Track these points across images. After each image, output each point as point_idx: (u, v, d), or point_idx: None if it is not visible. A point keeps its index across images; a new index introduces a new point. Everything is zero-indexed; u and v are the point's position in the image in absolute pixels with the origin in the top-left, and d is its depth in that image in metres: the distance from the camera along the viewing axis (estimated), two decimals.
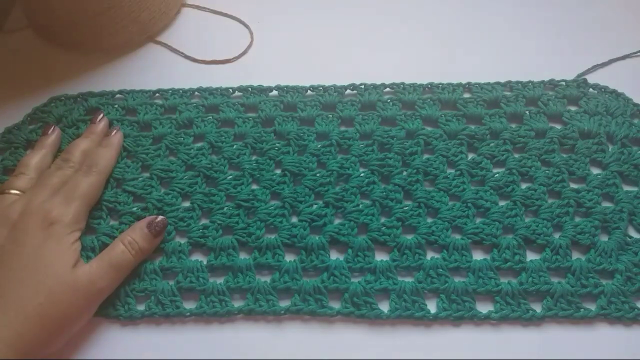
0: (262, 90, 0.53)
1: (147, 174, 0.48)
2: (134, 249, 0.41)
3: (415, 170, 0.47)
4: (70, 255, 0.39)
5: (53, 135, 0.48)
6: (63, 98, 0.53)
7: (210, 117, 0.51)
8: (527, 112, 0.50)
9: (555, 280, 0.41)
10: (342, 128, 0.50)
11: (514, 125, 0.49)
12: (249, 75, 0.54)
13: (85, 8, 0.53)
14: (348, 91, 0.53)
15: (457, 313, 0.40)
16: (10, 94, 0.54)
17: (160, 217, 0.43)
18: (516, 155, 0.48)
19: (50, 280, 0.37)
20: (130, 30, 0.56)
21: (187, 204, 0.46)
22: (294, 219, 0.45)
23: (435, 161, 0.47)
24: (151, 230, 0.42)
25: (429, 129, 0.49)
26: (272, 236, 0.44)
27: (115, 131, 0.48)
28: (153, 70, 0.56)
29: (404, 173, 0.47)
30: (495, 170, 0.47)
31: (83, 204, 0.42)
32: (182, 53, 0.57)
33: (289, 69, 0.55)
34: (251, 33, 0.59)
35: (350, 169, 0.47)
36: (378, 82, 0.53)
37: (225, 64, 0.56)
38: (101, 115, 0.49)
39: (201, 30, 0.60)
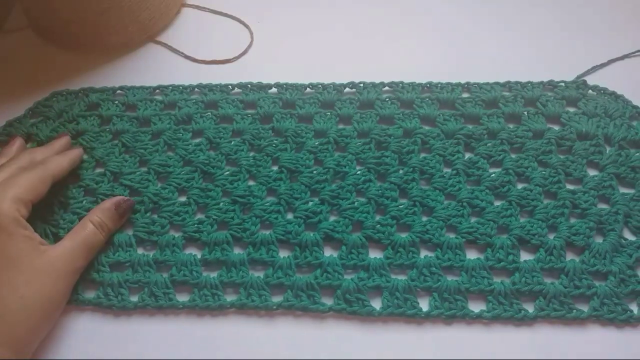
0: (262, 87, 0.53)
1: (144, 169, 0.48)
2: (104, 229, 0.42)
3: (411, 169, 0.47)
4: (28, 241, 0.38)
5: (14, 146, 0.47)
6: (64, 93, 0.54)
7: (209, 113, 0.51)
8: (526, 112, 0.50)
9: (548, 280, 0.41)
10: (340, 126, 0.50)
11: (511, 126, 0.49)
12: (249, 75, 0.54)
13: (85, 8, 0.53)
14: (347, 89, 0.53)
15: (449, 312, 0.40)
16: (10, 93, 0.54)
17: (127, 198, 0.44)
18: (513, 156, 0.47)
19: (23, 272, 0.37)
20: (130, 30, 0.57)
21: (183, 198, 0.46)
22: (290, 216, 0.45)
23: (431, 160, 0.47)
24: (119, 211, 0.43)
25: (427, 128, 0.49)
26: (267, 232, 0.44)
27: (76, 148, 0.48)
28: (153, 70, 0.56)
29: (400, 171, 0.47)
30: (491, 170, 0.47)
31: (22, 192, 0.40)
32: (182, 53, 0.58)
33: (288, 69, 0.55)
34: (251, 33, 0.59)
35: (347, 166, 0.47)
36: (377, 81, 0.53)
37: (225, 64, 0.57)
38: (66, 135, 0.49)
39: (201, 30, 0.60)
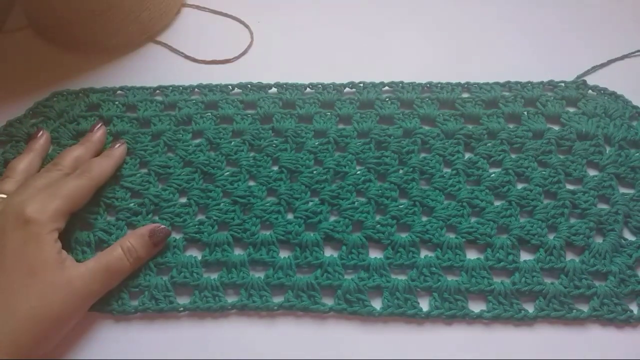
0: (261, 88, 0.53)
1: (145, 170, 0.48)
2: (132, 257, 0.41)
3: (411, 169, 0.47)
4: (54, 256, 0.38)
5: (42, 139, 0.47)
6: (65, 93, 0.54)
7: (209, 114, 0.51)
8: (526, 112, 0.50)
9: (548, 280, 0.41)
10: (340, 126, 0.50)
11: (511, 126, 0.49)
12: (249, 75, 0.54)
13: (86, 8, 0.53)
14: (347, 89, 0.53)
15: (450, 312, 0.40)
16: (10, 93, 0.54)
17: (163, 227, 0.43)
18: (513, 156, 0.47)
19: (39, 283, 0.37)
20: (130, 30, 0.57)
21: (184, 199, 0.46)
22: (290, 216, 0.45)
23: (431, 160, 0.47)
24: (153, 239, 0.42)
25: (427, 128, 0.49)
26: (267, 232, 0.44)
27: (119, 144, 0.47)
28: (153, 71, 0.56)
29: (400, 171, 0.47)
30: (491, 170, 0.47)
31: (64, 204, 0.40)
32: (182, 53, 0.58)
33: (288, 69, 0.55)
34: (251, 33, 0.59)
35: (347, 166, 0.47)
36: (377, 81, 0.53)
37: (225, 64, 0.57)
38: (99, 124, 0.49)
39: (201, 30, 0.60)
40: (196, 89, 0.54)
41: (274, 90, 0.53)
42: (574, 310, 0.40)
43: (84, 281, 0.38)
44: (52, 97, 0.53)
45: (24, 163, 0.45)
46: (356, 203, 0.45)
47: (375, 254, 0.43)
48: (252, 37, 0.59)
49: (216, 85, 0.53)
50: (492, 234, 0.43)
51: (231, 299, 0.41)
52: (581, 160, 0.47)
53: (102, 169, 0.44)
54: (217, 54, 0.57)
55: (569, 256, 0.42)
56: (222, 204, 0.46)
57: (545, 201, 0.45)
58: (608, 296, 0.40)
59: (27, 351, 0.36)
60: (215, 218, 0.45)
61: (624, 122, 0.49)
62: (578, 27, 0.57)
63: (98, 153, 0.47)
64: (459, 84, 0.52)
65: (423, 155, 0.48)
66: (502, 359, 0.38)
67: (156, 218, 0.45)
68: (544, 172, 0.46)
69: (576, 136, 0.48)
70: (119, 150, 0.47)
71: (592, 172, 0.46)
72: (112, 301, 0.41)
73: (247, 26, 0.60)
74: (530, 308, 0.40)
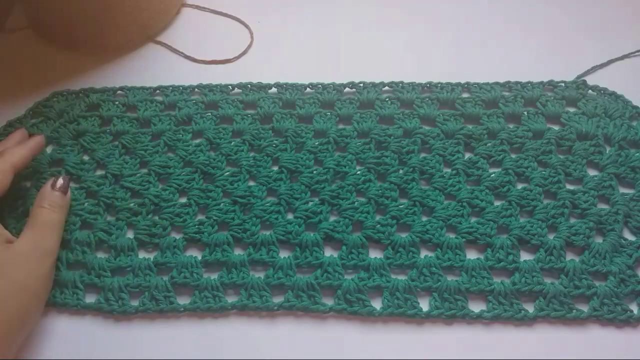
0: (261, 88, 0.53)
1: (145, 170, 0.48)
2: (56, 208, 0.42)
3: (411, 169, 0.47)
4: None
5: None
6: (65, 93, 0.54)
7: (209, 114, 0.51)
8: (526, 112, 0.50)
9: (548, 280, 0.41)
10: (340, 126, 0.50)
11: (511, 126, 0.49)
12: (249, 75, 0.54)
13: (85, 8, 0.53)
14: (347, 89, 0.53)
15: (450, 312, 0.40)
16: (10, 93, 0.54)
17: (59, 179, 0.43)
18: (513, 156, 0.48)
19: None
20: (130, 30, 0.57)
21: (184, 199, 0.46)
22: (290, 216, 0.45)
23: (431, 160, 0.47)
24: (60, 189, 0.43)
25: (427, 128, 0.49)
26: (267, 232, 0.44)
27: (37, 136, 0.48)
28: (153, 71, 0.56)
29: (400, 171, 0.47)
30: (491, 170, 0.47)
31: None
32: (182, 53, 0.58)
33: (288, 69, 0.55)
34: (251, 33, 0.59)
35: (347, 166, 0.47)
36: (377, 81, 0.53)
37: (225, 64, 0.57)
38: (20, 129, 0.49)
39: (201, 30, 0.60)
40: (196, 89, 0.54)
41: (274, 90, 0.53)
42: (574, 310, 0.40)
43: (33, 245, 0.39)
44: (52, 97, 0.53)
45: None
46: (356, 203, 0.45)
47: (375, 254, 0.43)
48: (252, 37, 0.59)
49: (216, 85, 0.54)
50: (492, 234, 0.43)
51: (231, 299, 0.41)
52: (581, 160, 0.47)
53: (15, 152, 0.44)
54: (217, 54, 0.57)
55: (569, 256, 0.42)
56: (222, 204, 0.46)
57: (545, 201, 0.45)
58: (608, 296, 0.40)
59: (4, 334, 0.36)
60: (215, 218, 0.45)
61: (624, 122, 0.49)
62: (578, 27, 0.57)
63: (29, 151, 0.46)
64: (458, 84, 0.52)
65: (423, 155, 0.48)
66: (503, 359, 0.38)
67: (156, 218, 0.45)
68: (544, 172, 0.46)
69: (576, 136, 0.48)
70: (34, 140, 0.47)
71: (592, 172, 0.46)
72: (112, 301, 0.41)
73: (247, 26, 0.60)
74: (530, 308, 0.40)
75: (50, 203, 0.42)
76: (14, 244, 0.39)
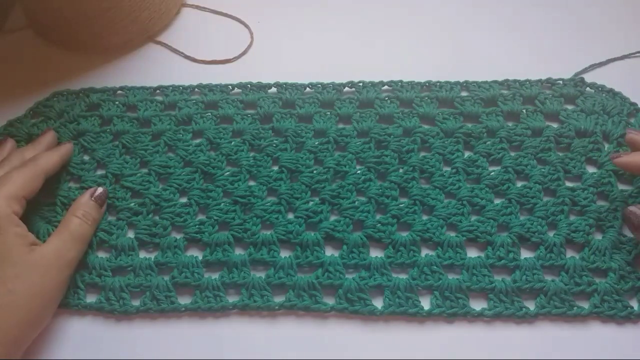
0: (261, 87, 0.53)
1: (145, 170, 0.48)
2: (89, 220, 0.42)
3: (411, 168, 0.47)
4: (18, 238, 0.39)
5: (5, 149, 0.47)
6: (65, 93, 0.54)
7: (209, 114, 0.51)
8: (524, 110, 0.50)
9: (548, 278, 0.41)
10: (340, 125, 0.51)
11: (510, 124, 0.49)
12: (249, 75, 0.54)
13: (85, 8, 0.53)
14: (346, 89, 0.53)
15: (451, 310, 0.40)
16: (10, 93, 0.54)
17: (99, 188, 0.45)
18: (512, 154, 0.48)
19: (11, 267, 0.37)
20: (130, 30, 0.57)
21: (184, 199, 0.46)
22: (290, 216, 0.45)
23: (431, 159, 0.47)
24: (97, 201, 0.44)
25: (426, 126, 0.50)
26: (268, 232, 0.44)
27: (66, 143, 0.48)
28: (153, 71, 0.56)
29: (400, 170, 0.47)
30: (491, 169, 0.47)
31: (11, 188, 0.41)
32: (182, 53, 0.58)
33: (288, 69, 0.55)
34: (251, 33, 0.59)
35: (347, 166, 0.47)
36: (376, 80, 0.53)
37: (225, 64, 0.57)
38: (49, 129, 0.49)
39: (201, 30, 0.60)
40: (196, 89, 0.54)
41: (273, 90, 0.53)
42: (575, 307, 0.40)
43: (55, 254, 0.39)
44: (52, 97, 0.53)
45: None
46: (356, 202, 0.45)
47: (376, 253, 0.43)
48: (252, 37, 0.59)
49: (216, 85, 0.54)
50: (492, 232, 0.43)
51: (232, 298, 0.41)
52: (580, 158, 0.47)
53: (47, 157, 0.45)
54: (217, 54, 0.57)
55: (569, 253, 0.42)
56: (222, 203, 0.46)
57: (545, 199, 0.45)
58: (608, 293, 0.40)
59: (14, 336, 0.36)
60: (215, 218, 0.45)
61: (622, 119, 0.49)
62: (578, 26, 0.58)
63: None
64: (457, 83, 0.52)
65: (423, 154, 0.48)
66: (504, 357, 0.39)
67: (156, 218, 0.45)
68: (543, 170, 0.46)
69: (575, 133, 0.48)
70: (65, 146, 0.47)
71: (591, 169, 0.47)
72: (113, 301, 0.41)
73: (247, 26, 0.60)
74: (531, 305, 0.40)
75: (85, 214, 0.42)
76: (39, 247, 0.39)
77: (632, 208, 0.40)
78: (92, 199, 0.44)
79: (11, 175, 0.41)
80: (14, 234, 0.39)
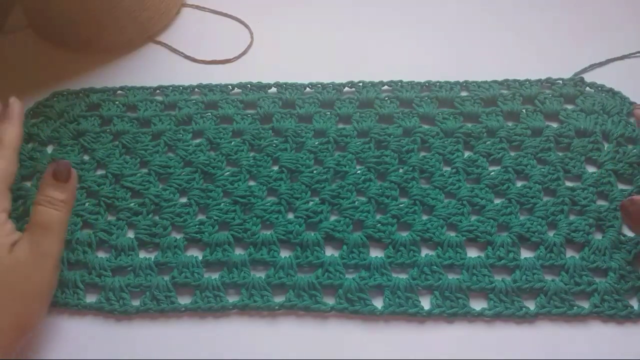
0: (261, 87, 0.53)
1: (145, 170, 0.48)
2: (55, 204, 0.38)
3: (411, 168, 0.47)
4: (3, 238, 0.37)
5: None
6: (65, 93, 0.54)
7: (209, 114, 0.51)
8: (524, 110, 0.50)
9: (549, 278, 0.41)
10: (340, 125, 0.51)
11: (510, 124, 0.49)
12: (249, 75, 0.54)
13: (85, 8, 0.53)
14: (346, 89, 0.53)
15: (451, 310, 0.40)
16: (10, 93, 0.54)
17: (59, 161, 0.39)
18: (512, 154, 0.48)
19: None
20: (130, 30, 0.57)
21: (184, 199, 0.46)
22: (290, 216, 0.45)
23: (431, 159, 0.47)
24: (60, 178, 0.39)
25: (426, 126, 0.50)
26: (268, 232, 0.44)
27: (11, 101, 0.44)
28: (153, 71, 0.56)
29: (400, 170, 0.47)
30: (491, 168, 0.47)
31: None
32: (182, 53, 0.58)
33: (288, 69, 0.55)
34: (251, 33, 0.59)
35: (347, 166, 0.47)
36: (376, 80, 0.53)
37: (225, 64, 0.57)
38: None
39: (201, 30, 0.60)
40: (196, 89, 0.54)
41: (273, 90, 0.53)
42: (575, 307, 0.40)
43: (29, 250, 0.37)
44: (52, 97, 0.53)
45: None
46: (356, 202, 0.45)
47: (376, 253, 0.43)
48: (252, 37, 0.59)
49: (216, 85, 0.54)
50: (492, 232, 0.43)
51: (232, 298, 0.41)
52: (580, 157, 0.47)
53: (11, 133, 0.42)
54: (217, 54, 0.57)
55: (569, 253, 0.42)
56: (222, 203, 0.46)
57: (545, 198, 0.45)
58: (608, 292, 0.40)
59: (6, 335, 0.35)
60: (215, 218, 0.45)
61: (621, 119, 0.49)
62: (578, 26, 0.57)
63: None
64: (457, 83, 0.52)
65: (423, 154, 0.48)
66: (505, 356, 0.39)
67: (157, 218, 0.45)
68: (543, 170, 0.46)
69: (574, 133, 0.48)
70: (13, 107, 0.43)
71: (590, 169, 0.47)
72: (113, 301, 0.41)
73: (247, 26, 0.60)
74: (531, 305, 0.40)
75: (48, 199, 0.38)
76: (15, 247, 0.37)
77: (627, 199, 0.39)
78: (54, 177, 0.39)
79: None
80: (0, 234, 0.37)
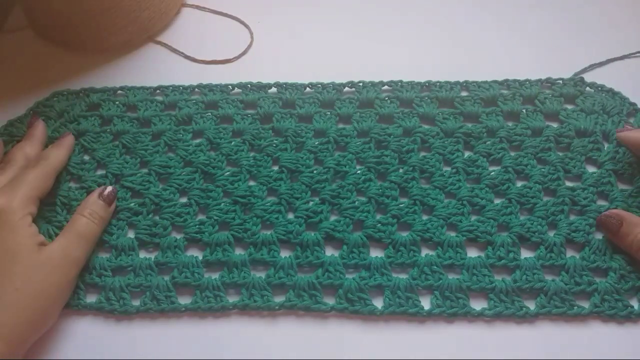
0: (261, 87, 0.53)
1: (145, 170, 0.48)
2: (96, 219, 0.42)
3: (411, 168, 0.47)
4: (29, 238, 0.39)
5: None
6: (65, 93, 0.54)
7: (209, 114, 0.51)
8: (524, 110, 0.50)
9: (549, 278, 0.41)
10: (340, 125, 0.51)
11: (510, 124, 0.49)
12: (249, 75, 0.54)
13: (85, 8, 0.53)
14: (346, 89, 0.53)
15: (451, 310, 0.40)
16: (10, 93, 0.54)
17: (108, 187, 0.45)
18: (512, 154, 0.48)
19: (19, 266, 0.38)
20: (130, 30, 0.57)
21: (184, 199, 0.46)
22: (290, 216, 0.45)
23: (431, 159, 0.47)
24: (105, 200, 0.44)
25: (426, 126, 0.50)
26: (268, 232, 0.44)
27: (66, 135, 0.49)
28: (153, 71, 0.56)
29: (400, 170, 0.47)
30: (491, 168, 0.47)
31: (29, 189, 0.42)
32: (182, 53, 0.58)
33: (288, 69, 0.55)
34: (251, 33, 0.59)
35: (347, 166, 0.47)
36: (376, 80, 0.53)
37: (225, 64, 0.57)
38: (36, 120, 0.49)
39: (201, 30, 0.60)
40: (196, 89, 0.54)
41: (273, 90, 0.53)
42: (575, 307, 0.40)
43: (63, 253, 0.39)
44: (52, 96, 0.53)
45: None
46: (356, 202, 0.45)
47: (376, 253, 0.43)
48: (252, 37, 0.59)
49: (216, 85, 0.54)
50: (492, 232, 0.43)
51: (232, 298, 0.41)
52: (580, 157, 0.47)
53: (56, 155, 0.46)
54: (217, 54, 0.57)
55: (569, 253, 0.42)
56: (222, 203, 0.46)
57: (545, 198, 0.45)
58: (609, 292, 0.40)
59: (19, 334, 0.36)
60: (215, 218, 0.45)
61: (621, 119, 0.49)
62: (578, 26, 0.58)
63: (43, 145, 0.48)
64: (457, 83, 0.52)
65: (423, 154, 0.48)
66: (505, 356, 0.38)
67: (157, 218, 0.45)
68: (543, 170, 0.46)
69: (574, 133, 0.48)
70: (67, 139, 0.48)
71: (591, 169, 0.47)
72: (113, 301, 0.41)
73: (247, 26, 0.60)
74: (531, 305, 0.40)
75: (92, 213, 0.42)
76: (46, 247, 0.39)
77: (605, 213, 0.41)
78: (100, 198, 0.44)
79: (26, 177, 0.42)
80: (26, 234, 0.39)
